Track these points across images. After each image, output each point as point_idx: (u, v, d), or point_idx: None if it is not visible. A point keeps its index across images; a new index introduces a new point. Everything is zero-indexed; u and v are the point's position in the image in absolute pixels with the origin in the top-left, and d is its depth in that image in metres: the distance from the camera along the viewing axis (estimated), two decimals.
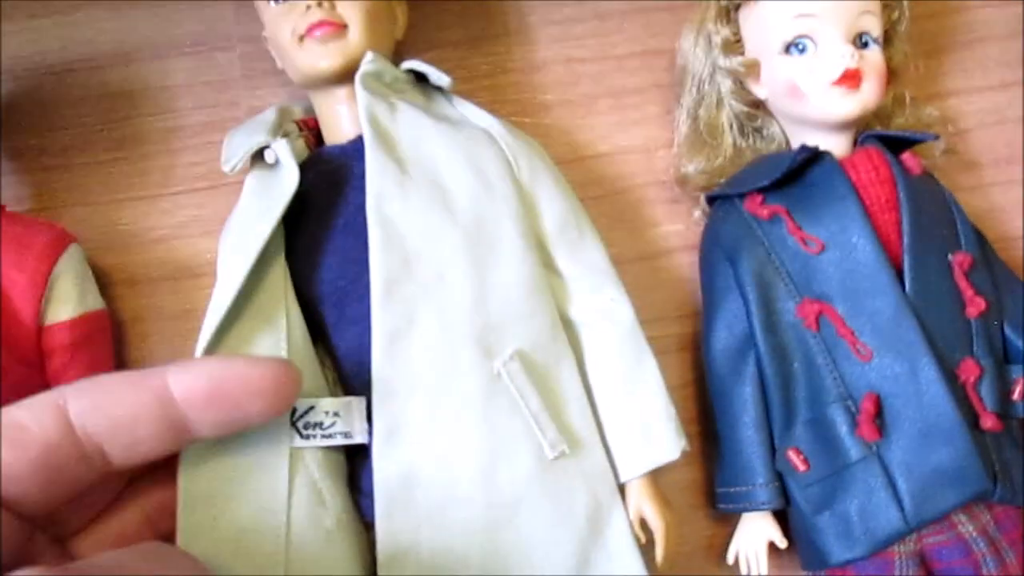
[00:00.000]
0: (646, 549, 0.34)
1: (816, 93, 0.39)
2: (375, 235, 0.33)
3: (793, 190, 0.39)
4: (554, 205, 0.37)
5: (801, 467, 0.37)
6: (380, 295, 0.33)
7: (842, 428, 0.36)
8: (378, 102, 0.35)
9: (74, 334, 0.38)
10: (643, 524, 0.35)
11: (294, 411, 0.31)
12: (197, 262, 0.43)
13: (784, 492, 0.38)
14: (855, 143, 0.41)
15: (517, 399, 0.33)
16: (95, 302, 0.39)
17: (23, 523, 0.24)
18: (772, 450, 0.38)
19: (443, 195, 0.34)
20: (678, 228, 0.44)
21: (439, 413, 0.32)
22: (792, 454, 0.37)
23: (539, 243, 0.36)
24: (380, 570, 0.31)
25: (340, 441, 0.32)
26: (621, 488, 0.35)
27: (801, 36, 0.39)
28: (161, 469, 0.28)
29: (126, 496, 0.27)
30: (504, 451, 0.32)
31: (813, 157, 0.39)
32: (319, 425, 0.31)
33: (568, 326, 0.36)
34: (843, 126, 0.40)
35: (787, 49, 0.39)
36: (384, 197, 0.34)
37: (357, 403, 0.32)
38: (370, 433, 0.32)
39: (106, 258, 0.43)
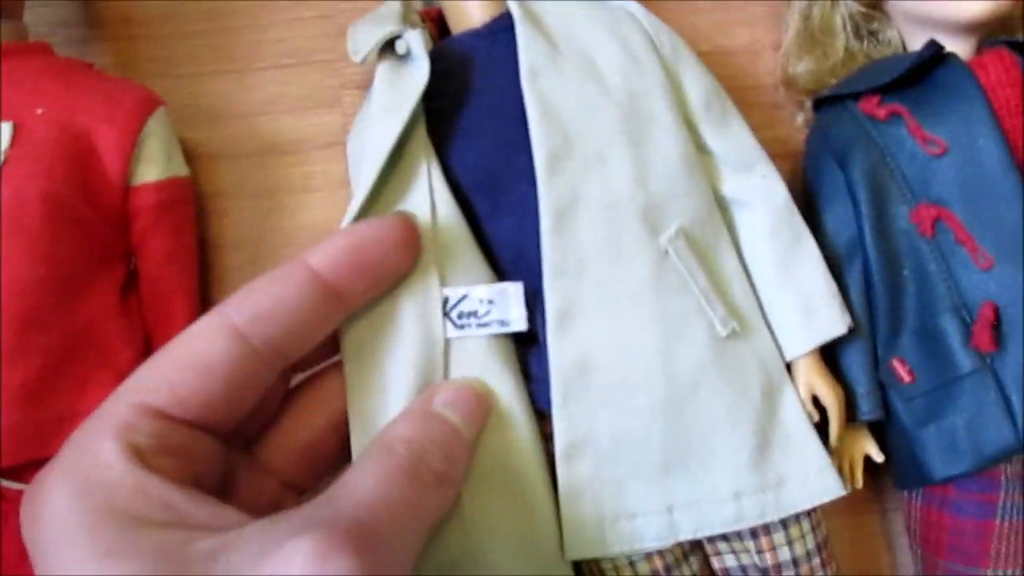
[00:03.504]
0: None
1: None
2: (533, 110, 0.32)
3: (914, 91, 0.37)
4: (698, 82, 0.35)
5: (906, 378, 0.35)
6: (544, 171, 0.31)
7: (954, 339, 0.34)
8: None
9: (160, 197, 0.37)
10: (813, 402, 0.34)
11: (446, 301, 0.30)
12: (282, 140, 0.42)
13: (885, 404, 0.36)
14: (977, 52, 0.38)
15: (686, 276, 0.31)
16: (181, 168, 0.38)
17: (221, 443, 0.25)
18: (875, 361, 0.36)
19: (595, 71, 0.33)
20: (778, 134, 0.43)
21: (611, 293, 0.31)
22: (896, 364, 0.36)
23: (686, 121, 0.35)
24: (558, 459, 0.30)
25: (497, 330, 0.30)
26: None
27: None
28: (338, 377, 0.30)
29: (309, 403, 0.30)
30: (678, 330, 0.31)
31: (938, 57, 0.37)
32: (473, 314, 0.30)
33: (721, 205, 0.35)
34: (970, 29, 0.37)
35: None
36: (538, 72, 0.32)
37: (513, 289, 0.31)
38: (530, 320, 0.31)
39: (188, 131, 0.41)
